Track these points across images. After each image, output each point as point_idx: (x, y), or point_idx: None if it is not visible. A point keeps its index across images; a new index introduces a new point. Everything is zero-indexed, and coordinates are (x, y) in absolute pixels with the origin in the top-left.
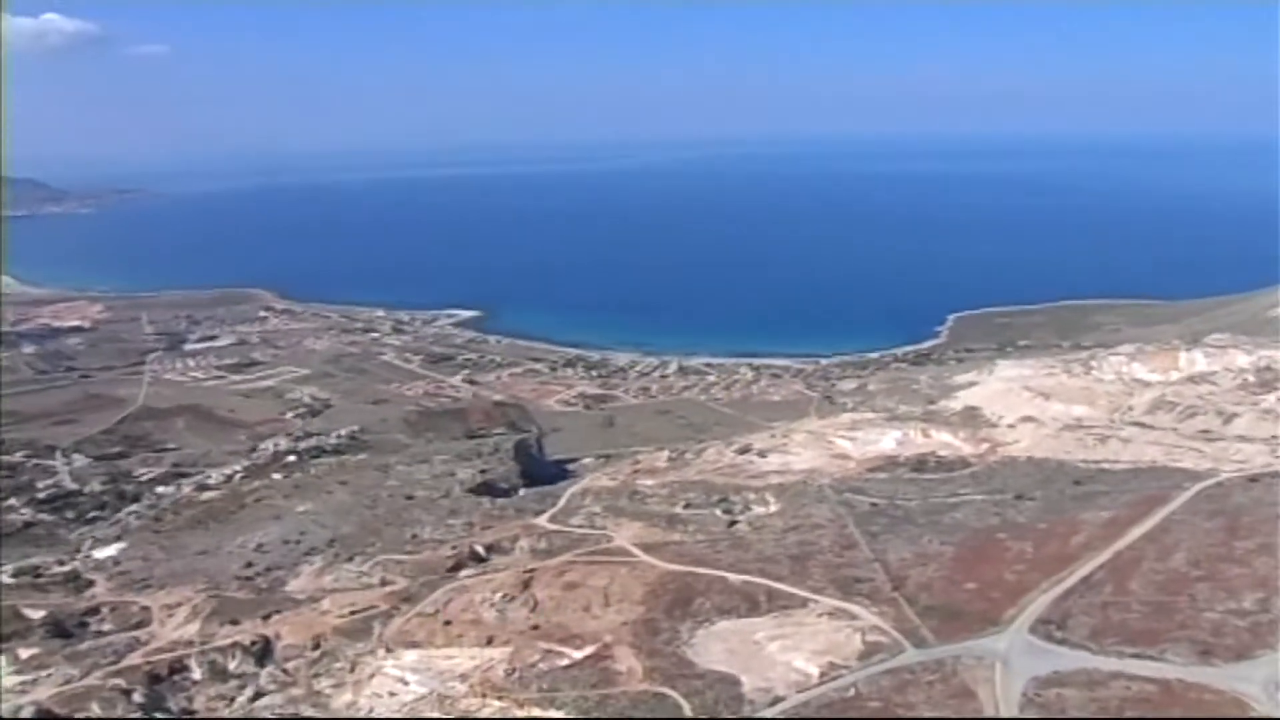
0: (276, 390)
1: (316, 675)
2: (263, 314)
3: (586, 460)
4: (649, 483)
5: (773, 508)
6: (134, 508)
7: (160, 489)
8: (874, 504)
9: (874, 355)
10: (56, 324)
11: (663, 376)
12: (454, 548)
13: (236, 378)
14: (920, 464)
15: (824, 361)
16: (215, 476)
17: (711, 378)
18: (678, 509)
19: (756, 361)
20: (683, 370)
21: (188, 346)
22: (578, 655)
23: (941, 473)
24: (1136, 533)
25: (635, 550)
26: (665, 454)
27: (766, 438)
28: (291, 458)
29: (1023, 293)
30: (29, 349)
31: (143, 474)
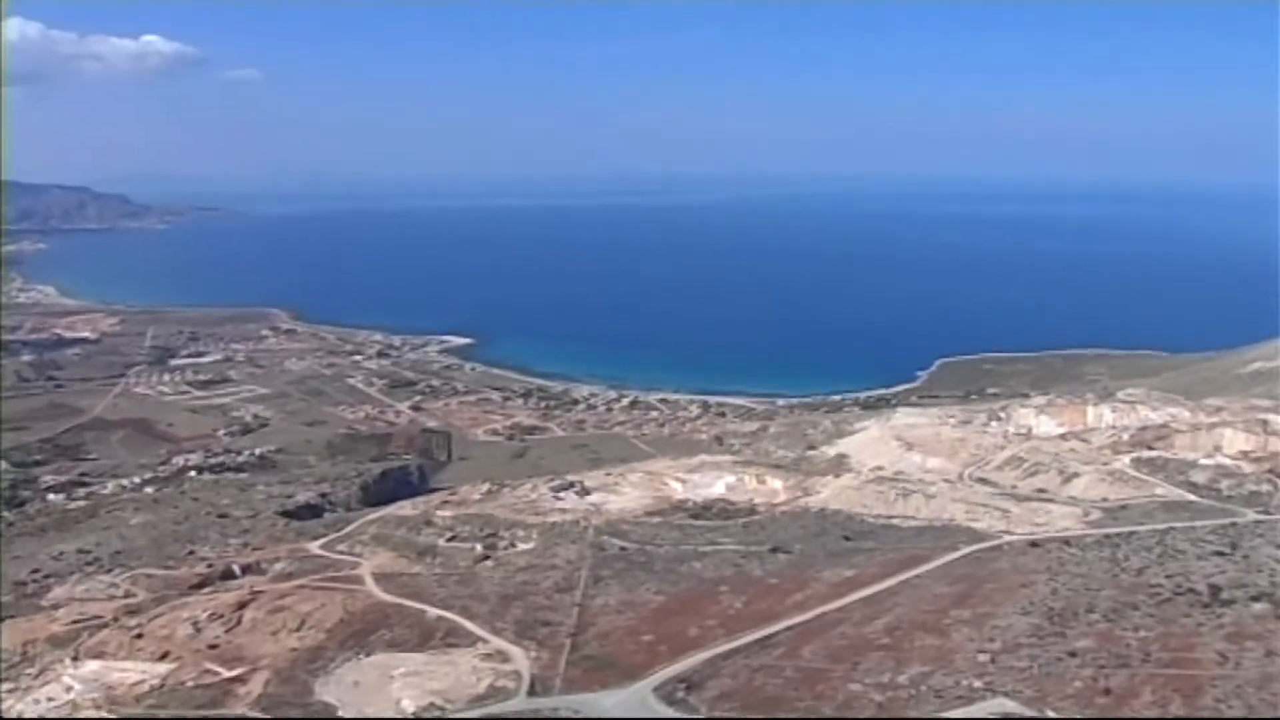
0: (227, 408)
1: (4, 680)
2: (264, 333)
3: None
4: (446, 514)
5: (530, 545)
6: (6, 514)
7: (51, 496)
8: (623, 548)
9: (836, 398)
10: (68, 334)
11: (608, 410)
12: (209, 565)
13: (199, 394)
14: (703, 510)
15: (781, 402)
16: (110, 486)
17: (654, 414)
18: (440, 541)
19: (713, 400)
20: (635, 405)
21: (174, 362)
22: (225, 675)
23: (719, 520)
24: (863, 594)
25: (367, 579)
26: (485, 486)
27: (601, 475)
28: (193, 473)
29: (1023, 339)
30: (27, 358)
31: (47, 482)
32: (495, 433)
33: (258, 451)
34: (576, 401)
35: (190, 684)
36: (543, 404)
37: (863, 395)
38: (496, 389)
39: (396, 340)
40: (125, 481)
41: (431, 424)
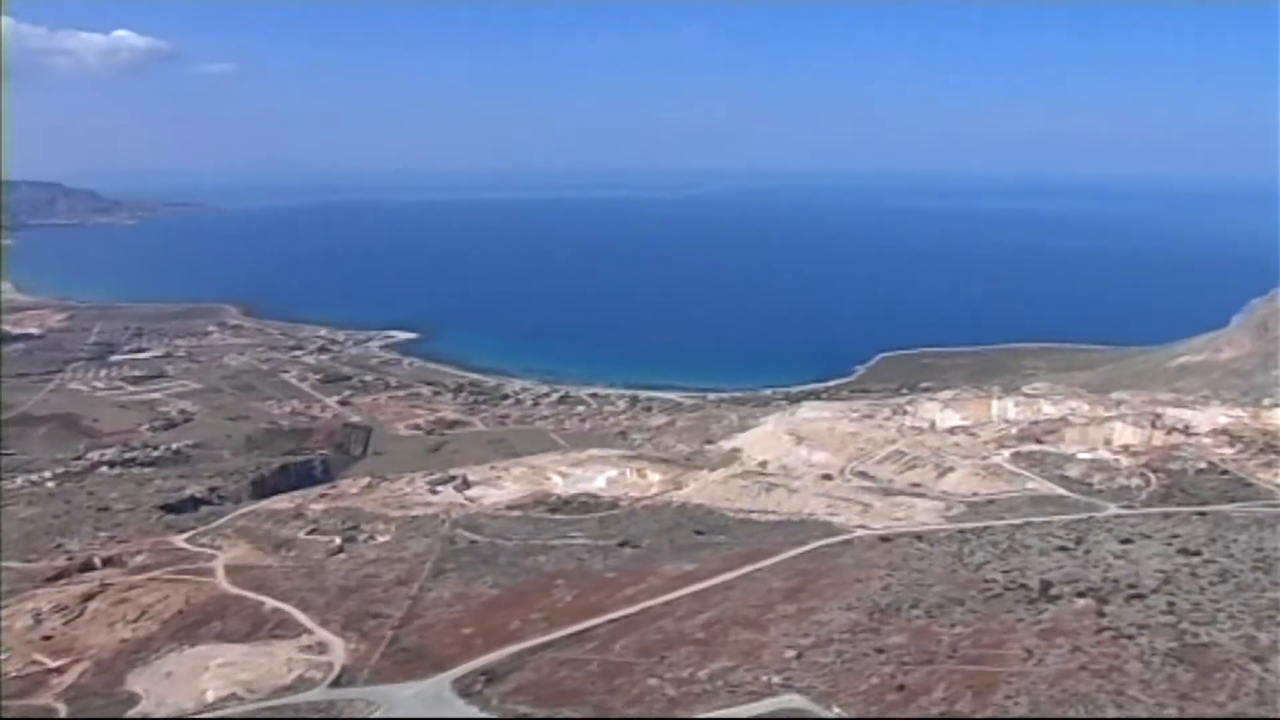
0: (155, 403)
1: None
2: (210, 329)
3: None
4: (319, 507)
5: (387, 538)
6: None
7: None
8: (474, 541)
9: (768, 392)
10: (15, 330)
11: (534, 404)
12: (70, 558)
13: (132, 389)
14: (564, 503)
15: (712, 397)
16: (19, 481)
17: (581, 408)
18: (301, 534)
19: (644, 394)
20: (564, 399)
21: (114, 357)
22: (49, 666)
23: (577, 514)
24: (696, 588)
25: (219, 571)
26: (365, 479)
27: (486, 469)
28: (104, 468)
29: (971, 333)
30: None
31: None
32: (417, 428)
33: (174, 446)
34: (506, 396)
35: (13, 675)
36: (472, 399)
37: (795, 389)
38: (429, 384)
39: (341, 335)
40: (35, 476)
41: (355, 419)
